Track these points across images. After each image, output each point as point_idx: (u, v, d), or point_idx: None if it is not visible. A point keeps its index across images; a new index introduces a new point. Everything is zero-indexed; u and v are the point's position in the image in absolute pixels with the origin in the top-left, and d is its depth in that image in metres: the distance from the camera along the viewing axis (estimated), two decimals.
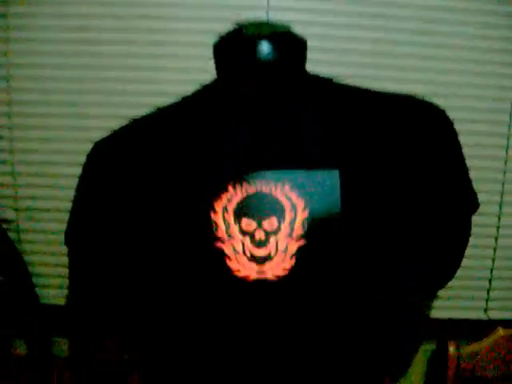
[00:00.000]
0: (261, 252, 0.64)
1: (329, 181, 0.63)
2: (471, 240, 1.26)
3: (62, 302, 1.26)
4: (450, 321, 1.35)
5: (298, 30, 0.76)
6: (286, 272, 0.64)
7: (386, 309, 0.71)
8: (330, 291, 0.65)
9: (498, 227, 1.30)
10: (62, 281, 1.25)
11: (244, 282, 0.64)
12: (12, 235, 1.28)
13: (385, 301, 0.70)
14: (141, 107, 0.81)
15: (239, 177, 0.64)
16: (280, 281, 0.64)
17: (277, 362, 0.65)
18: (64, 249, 0.78)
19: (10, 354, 1.33)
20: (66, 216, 0.78)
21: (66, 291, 1.24)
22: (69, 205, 0.78)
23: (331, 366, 0.67)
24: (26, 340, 1.29)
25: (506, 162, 1.27)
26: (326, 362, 0.67)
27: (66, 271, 0.81)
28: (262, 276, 0.64)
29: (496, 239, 1.31)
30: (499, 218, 1.30)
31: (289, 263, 0.64)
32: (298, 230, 0.64)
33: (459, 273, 1.28)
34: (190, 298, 0.65)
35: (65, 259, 0.79)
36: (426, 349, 1.35)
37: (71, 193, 0.78)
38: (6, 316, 1.25)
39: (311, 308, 0.65)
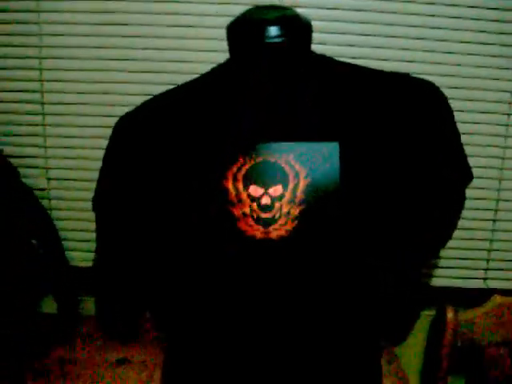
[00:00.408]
0: (266, 215, 0.70)
1: (329, 152, 0.68)
2: (471, 212, 1.33)
3: (89, 264, 1.34)
4: (451, 289, 1.41)
5: (306, 13, 0.80)
6: (288, 233, 0.70)
7: (382, 281, 0.76)
8: (326, 253, 0.71)
9: (497, 200, 1.34)
10: (89, 245, 1.32)
11: (251, 240, 0.70)
12: (44, 202, 1.36)
13: (380, 277, 0.76)
14: (162, 85, 0.87)
15: (248, 148, 0.70)
16: (283, 240, 0.70)
17: (276, 314, 0.72)
18: (91, 215, 0.81)
19: (40, 312, 1.43)
20: (93, 185, 0.80)
21: (92, 255, 1.32)
22: (96, 174, 0.81)
23: (326, 323, 0.73)
24: (56, 298, 1.37)
25: (505, 139, 1.31)
26: (322, 319, 0.73)
27: (92, 236, 0.86)
28: (267, 236, 0.70)
29: (495, 212, 1.35)
30: (498, 191, 1.34)
31: (290, 225, 0.70)
32: (300, 195, 0.69)
33: (460, 243, 1.36)
34: (204, 254, 0.72)
35: (92, 225, 0.82)
36: (428, 314, 1.40)
37: (98, 164, 0.81)
38: (37, 276, 1.34)
39: (309, 264, 0.71)
